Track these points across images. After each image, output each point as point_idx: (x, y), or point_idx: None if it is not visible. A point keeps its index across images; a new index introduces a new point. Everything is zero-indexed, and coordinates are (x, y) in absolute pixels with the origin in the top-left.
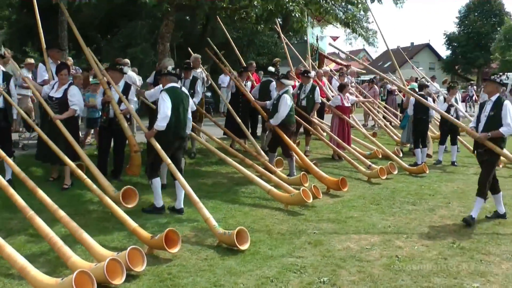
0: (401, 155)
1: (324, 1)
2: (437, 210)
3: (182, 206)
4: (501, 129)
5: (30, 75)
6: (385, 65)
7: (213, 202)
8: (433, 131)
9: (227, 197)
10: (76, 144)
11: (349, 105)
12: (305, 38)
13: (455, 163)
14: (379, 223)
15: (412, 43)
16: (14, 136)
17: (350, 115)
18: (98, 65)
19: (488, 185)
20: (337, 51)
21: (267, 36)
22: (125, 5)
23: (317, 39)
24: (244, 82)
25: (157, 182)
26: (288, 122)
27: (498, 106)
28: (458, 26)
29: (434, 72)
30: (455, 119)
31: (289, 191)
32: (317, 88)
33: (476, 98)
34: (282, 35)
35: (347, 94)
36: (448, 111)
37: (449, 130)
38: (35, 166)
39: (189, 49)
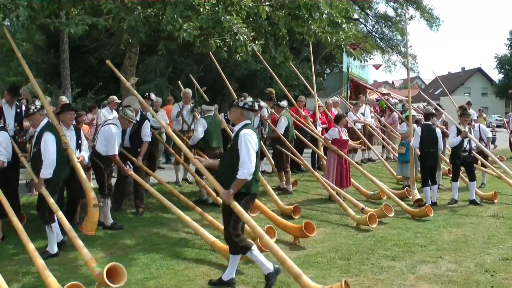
0: (410, 197)
1: (306, 23)
2: (419, 267)
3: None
4: (238, 175)
5: None
6: (436, 92)
7: (149, 258)
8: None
9: (171, 250)
10: (4, 200)
11: (347, 138)
12: (343, 69)
13: (477, 201)
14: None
15: (463, 68)
16: None
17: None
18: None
19: (238, 241)
20: (390, 81)
21: (297, 67)
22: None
23: (347, 68)
24: None
25: (55, 226)
26: (204, 146)
27: (236, 136)
28: (509, 48)
29: (487, 97)
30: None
31: None
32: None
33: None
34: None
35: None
36: (461, 143)
37: (462, 163)
38: None
39: (179, 82)
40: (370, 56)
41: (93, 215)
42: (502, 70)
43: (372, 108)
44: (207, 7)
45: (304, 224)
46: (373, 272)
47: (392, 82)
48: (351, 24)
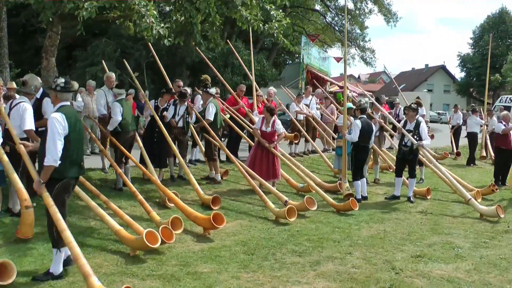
0: (342, 191)
1: (235, 9)
2: (323, 263)
3: None
4: (45, 162)
5: None
6: (400, 87)
7: (47, 248)
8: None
9: (78, 238)
10: None
11: (269, 130)
12: (301, 59)
13: (412, 199)
14: (218, 284)
15: (426, 65)
16: None
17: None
18: None
19: (55, 233)
20: (357, 74)
21: (247, 55)
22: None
23: (302, 59)
24: (166, 104)
25: None
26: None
27: None
28: (472, 47)
29: (449, 95)
30: None
31: (139, 232)
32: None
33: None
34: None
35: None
36: (402, 138)
37: (402, 159)
38: None
39: (103, 61)
40: (326, 47)
41: (27, 217)
42: (465, 69)
43: (318, 100)
44: None
45: (212, 215)
46: (273, 268)
47: (359, 76)
48: (280, 11)
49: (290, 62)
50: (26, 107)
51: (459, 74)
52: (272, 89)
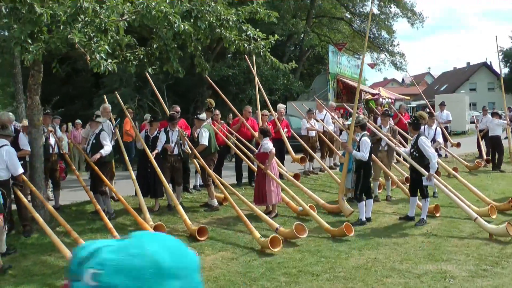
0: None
1: (214, 31)
2: None
3: None
4: None
5: None
6: (441, 89)
7: None
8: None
9: (43, 283)
10: None
11: (259, 151)
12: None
13: (421, 222)
14: None
15: (468, 63)
16: None
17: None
18: None
19: None
20: (400, 78)
21: (268, 70)
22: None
23: (328, 69)
24: (156, 132)
25: None
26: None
27: None
28: None
29: (494, 92)
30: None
31: None
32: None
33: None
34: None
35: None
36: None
37: (411, 177)
38: None
39: (104, 96)
40: (358, 55)
41: None
42: (508, 64)
43: (332, 113)
44: (61, 27)
45: None
46: None
47: (402, 80)
48: (258, 30)
49: (323, 72)
50: (10, 150)
51: (502, 71)
52: (281, 106)
